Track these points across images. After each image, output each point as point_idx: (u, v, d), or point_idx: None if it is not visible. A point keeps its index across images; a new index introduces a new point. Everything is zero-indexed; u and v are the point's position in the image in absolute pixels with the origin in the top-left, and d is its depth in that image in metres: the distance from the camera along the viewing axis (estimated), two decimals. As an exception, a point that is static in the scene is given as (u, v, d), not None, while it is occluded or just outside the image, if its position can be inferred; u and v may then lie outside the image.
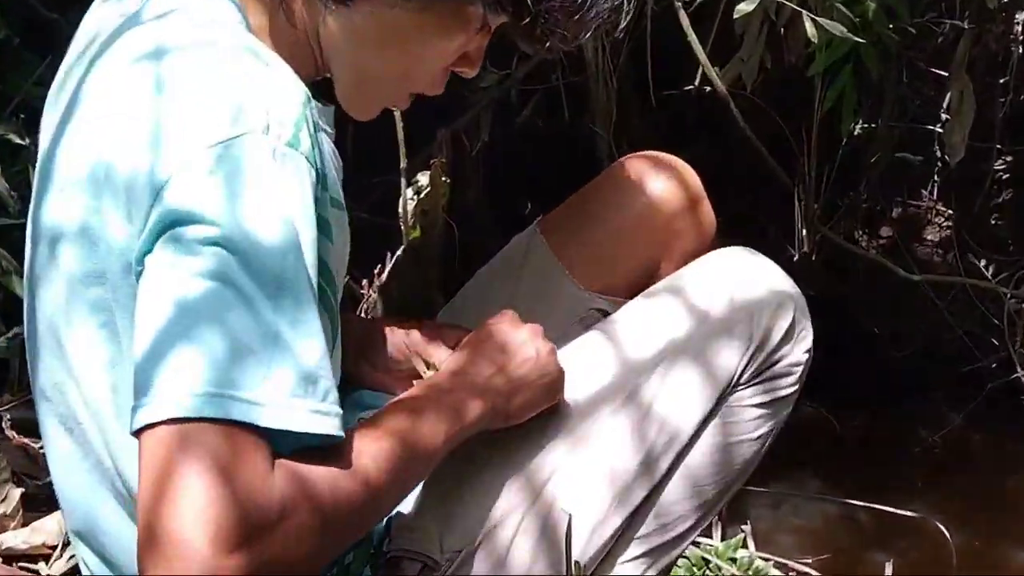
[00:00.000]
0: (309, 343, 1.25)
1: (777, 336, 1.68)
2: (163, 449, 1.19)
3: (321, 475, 1.27)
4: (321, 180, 1.34)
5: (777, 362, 1.69)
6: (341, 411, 1.29)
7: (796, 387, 1.73)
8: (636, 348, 1.67)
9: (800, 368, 1.72)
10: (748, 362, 1.67)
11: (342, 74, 1.50)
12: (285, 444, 1.23)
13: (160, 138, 1.28)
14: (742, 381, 1.68)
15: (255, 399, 1.20)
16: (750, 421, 1.70)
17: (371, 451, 1.35)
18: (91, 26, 1.54)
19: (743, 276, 1.73)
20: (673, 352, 1.66)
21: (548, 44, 1.47)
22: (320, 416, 1.24)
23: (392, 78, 1.53)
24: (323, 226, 1.35)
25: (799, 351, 1.71)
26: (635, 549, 1.67)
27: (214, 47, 1.37)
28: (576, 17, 1.46)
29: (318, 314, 1.28)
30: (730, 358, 1.66)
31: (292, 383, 1.22)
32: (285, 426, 1.20)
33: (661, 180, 1.90)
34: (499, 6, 1.42)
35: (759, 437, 1.71)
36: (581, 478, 1.61)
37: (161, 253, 1.25)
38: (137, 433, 1.20)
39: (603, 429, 1.63)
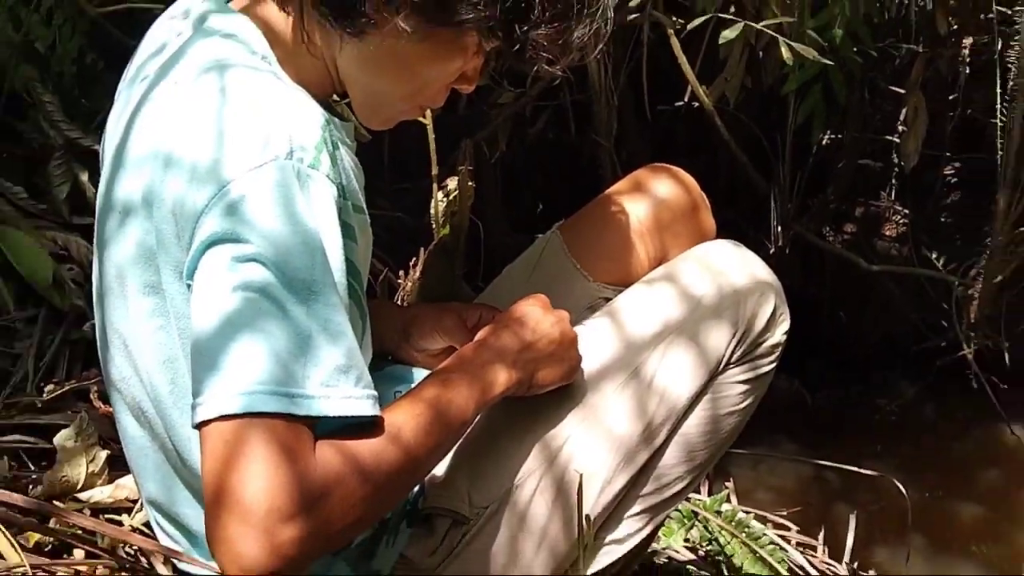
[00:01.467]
0: (339, 339, 1.28)
1: (761, 322, 1.68)
2: (220, 441, 1.22)
3: (366, 448, 1.30)
4: (341, 191, 1.37)
5: (760, 344, 1.69)
6: (374, 392, 1.31)
7: (775, 364, 1.72)
8: (637, 331, 1.66)
9: (779, 348, 1.72)
10: (736, 345, 1.66)
11: (358, 96, 1.50)
12: (329, 425, 1.26)
13: (199, 166, 1.31)
14: (731, 361, 1.67)
15: (294, 393, 1.23)
16: (736, 396, 1.69)
17: (410, 423, 1.37)
18: (153, 40, 1.55)
19: (730, 267, 1.71)
20: (670, 335, 1.65)
21: (536, 66, 1.49)
22: (354, 400, 1.27)
23: (401, 97, 1.52)
24: (347, 230, 1.38)
25: (779, 333, 1.71)
26: (638, 506, 1.67)
27: (245, 75, 1.39)
28: (559, 42, 1.45)
29: (345, 311, 1.31)
30: (720, 341, 1.65)
31: (326, 375, 1.25)
32: (322, 413, 1.23)
33: (667, 188, 1.89)
34: (491, 34, 1.42)
35: (744, 408, 1.71)
36: (591, 445, 1.60)
37: (206, 270, 1.28)
38: (198, 427, 1.23)
39: (610, 402, 1.62)
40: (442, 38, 1.42)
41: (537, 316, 1.57)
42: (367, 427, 1.31)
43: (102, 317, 1.55)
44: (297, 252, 1.28)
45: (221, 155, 1.30)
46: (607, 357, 1.65)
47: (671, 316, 1.67)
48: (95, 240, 1.56)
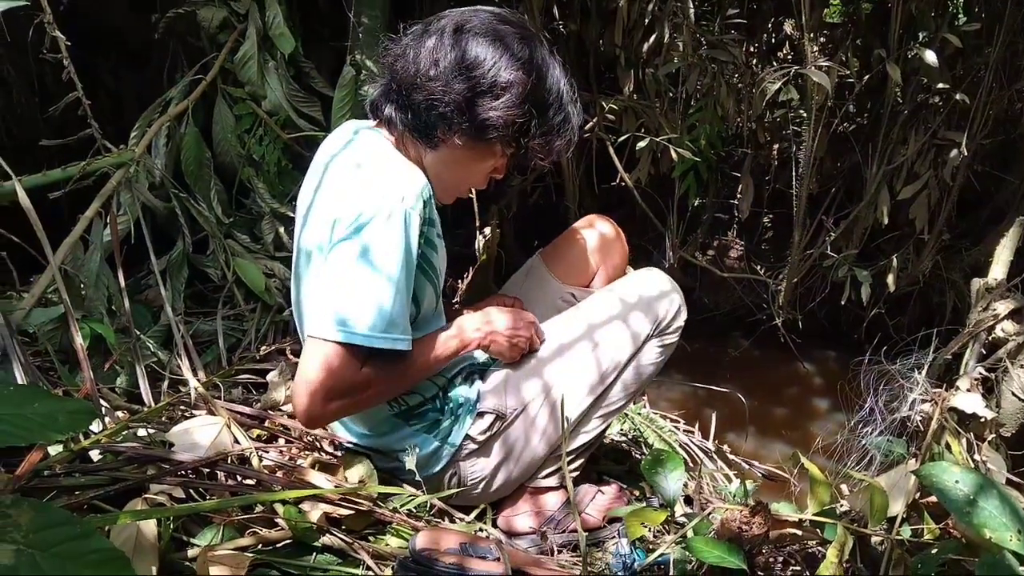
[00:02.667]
0: (397, 307, 1.34)
1: (669, 315, 1.65)
2: (312, 350, 1.32)
3: (395, 366, 1.40)
4: (428, 222, 1.41)
5: (668, 327, 1.65)
6: (410, 337, 1.39)
7: (678, 336, 1.69)
8: (597, 320, 1.64)
9: (680, 328, 1.68)
10: (653, 328, 1.64)
11: (434, 182, 1.49)
12: (382, 352, 1.35)
13: (350, 208, 1.35)
14: (651, 336, 1.64)
15: (361, 332, 1.31)
16: (654, 355, 1.65)
17: (420, 356, 1.46)
18: (322, 152, 1.59)
19: (652, 283, 1.68)
20: (615, 322, 1.63)
21: (533, 163, 1.50)
22: (392, 340, 1.34)
23: (458, 182, 1.54)
24: (430, 244, 1.44)
25: (680, 320, 1.67)
26: (597, 414, 1.66)
27: (381, 163, 1.43)
28: (547, 149, 1.48)
29: (407, 293, 1.36)
30: (643, 326, 1.63)
31: (383, 326, 1.33)
32: (374, 345, 1.33)
33: (601, 227, 1.89)
34: (508, 145, 1.45)
35: (658, 363, 1.68)
36: (572, 383, 1.60)
37: (337, 255, 1.34)
38: (307, 336, 1.34)
39: (580, 361, 1.61)
40: (480, 148, 1.45)
41: (505, 312, 1.59)
42: (403, 354, 1.38)
43: (298, 307, 1.58)
44: (391, 255, 1.33)
45: (362, 198, 1.35)
46: (580, 335, 1.63)
47: (616, 312, 1.65)
48: (293, 262, 1.59)
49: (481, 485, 1.62)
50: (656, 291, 1.66)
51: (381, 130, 1.52)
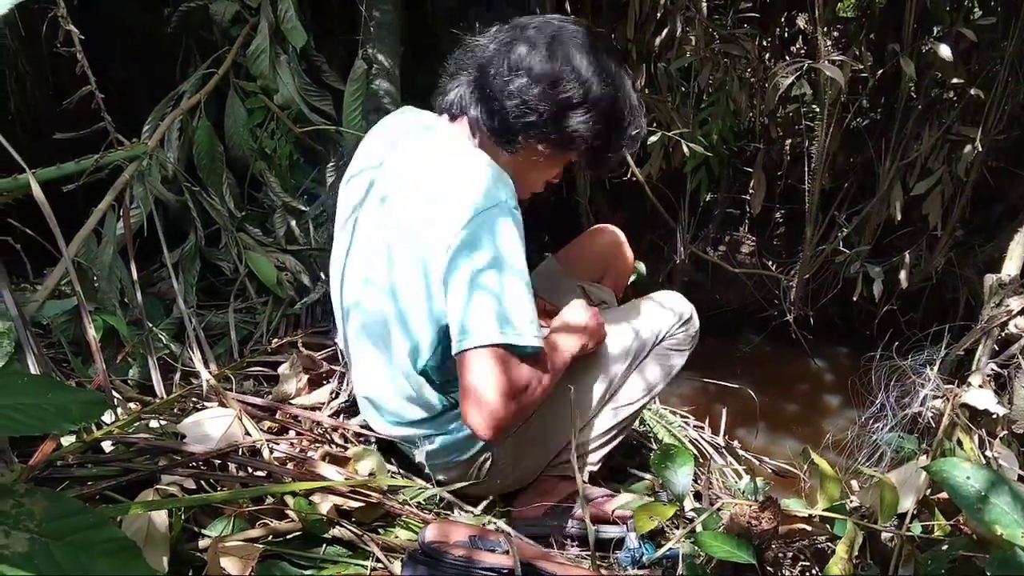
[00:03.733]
0: (531, 303, 1.35)
1: (676, 325, 1.70)
2: (475, 360, 1.32)
3: (543, 366, 1.41)
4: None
5: (670, 336, 1.69)
6: (542, 334, 1.38)
7: (688, 347, 1.73)
8: (616, 326, 1.66)
9: (691, 338, 1.73)
10: (656, 336, 1.68)
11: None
12: (529, 351, 1.35)
13: (448, 213, 1.35)
14: (653, 347, 1.68)
15: (517, 334, 1.32)
16: (658, 360, 1.69)
17: (555, 356, 1.47)
18: (382, 141, 1.58)
19: (669, 301, 1.73)
20: (631, 329, 1.67)
21: (600, 171, 1.55)
22: (538, 339, 1.34)
23: (530, 185, 1.56)
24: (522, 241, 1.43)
25: (690, 331, 1.72)
26: (610, 406, 1.67)
27: (478, 163, 1.42)
28: (615, 159, 1.53)
29: (530, 283, 1.37)
30: (647, 333, 1.67)
31: (529, 324, 1.33)
32: (529, 344, 1.33)
33: (608, 235, 2.00)
34: (584, 155, 1.51)
35: (669, 365, 1.70)
36: (583, 378, 1.62)
37: (460, 269, 1.33)
38: (459, 353, 1.32)
39: (595, 355, 1.63)
40: (559, 156, 1.50)
41: (587, 312, 1.60)
42: (540, 352, 1.38)
43: (341, 296, 1.60)
44: (512, 255, 1.34)
45: (468, 198, 1.35)
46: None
47: (632, 322, 1.69)
48: (345, 268, 1.59)
49: (507, 471, 1.64)
50: (672, 307, 1.72)
51: (457, 126, 1.52)
